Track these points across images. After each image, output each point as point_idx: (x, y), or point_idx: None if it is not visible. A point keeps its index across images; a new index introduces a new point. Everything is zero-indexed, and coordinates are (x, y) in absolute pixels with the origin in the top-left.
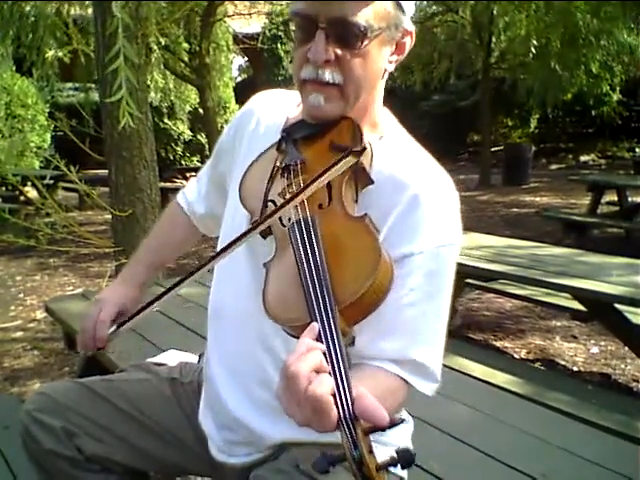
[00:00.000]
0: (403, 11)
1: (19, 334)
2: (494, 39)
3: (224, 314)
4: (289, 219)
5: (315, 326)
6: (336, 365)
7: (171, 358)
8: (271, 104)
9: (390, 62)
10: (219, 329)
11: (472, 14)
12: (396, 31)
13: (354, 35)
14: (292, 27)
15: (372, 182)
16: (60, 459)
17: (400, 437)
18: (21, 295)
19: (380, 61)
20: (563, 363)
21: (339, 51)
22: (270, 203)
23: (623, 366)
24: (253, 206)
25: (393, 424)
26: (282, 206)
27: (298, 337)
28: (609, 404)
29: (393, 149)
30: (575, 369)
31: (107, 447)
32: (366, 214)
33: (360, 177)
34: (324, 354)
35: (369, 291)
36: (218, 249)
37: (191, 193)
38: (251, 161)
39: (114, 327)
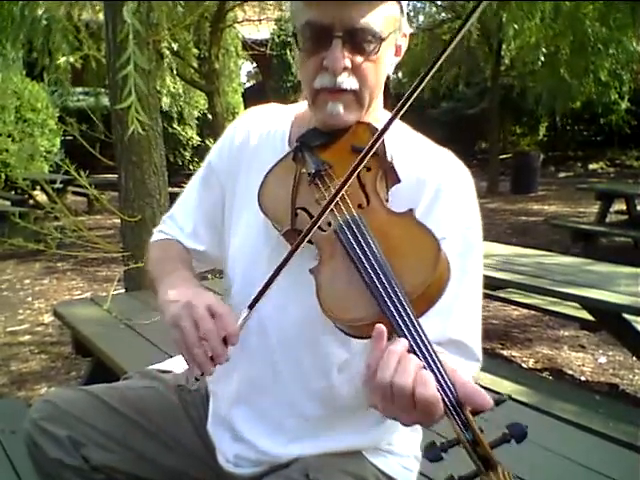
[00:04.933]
0: (404, 14)
1: (27, 338)
2: (503, 47)
3: (251, 332)
4: (328, 224)
5: (380, 328)
6: (428, 356)
7: (177, 364)
8: (266, 118)
9: (391, 65)
10: (242, 348)
11: (480, 21)
12: (399, 35)
13: (369, 42)
14: (300, 37)
15: (399, 181)
16: (66, 468)
17: (409, 446)
18: (29, 299)
19: (387, 65)
20: (571, 373)
21: (354, 58)
22: (300, 211)
23: (631, 376)
24: (279, 217)
25: (499, 403)
26: (327, 206)
27: (359, 337)
28: (617, 414)
29: (401, 143)
30: (583, 379)
31: (113, 456)
32: (411, 210)
33: (390, 176)
34: (411, 349)
35: (435, 280)
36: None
37: (170, 230)
38: (264, 174)
39: (245, 312)
